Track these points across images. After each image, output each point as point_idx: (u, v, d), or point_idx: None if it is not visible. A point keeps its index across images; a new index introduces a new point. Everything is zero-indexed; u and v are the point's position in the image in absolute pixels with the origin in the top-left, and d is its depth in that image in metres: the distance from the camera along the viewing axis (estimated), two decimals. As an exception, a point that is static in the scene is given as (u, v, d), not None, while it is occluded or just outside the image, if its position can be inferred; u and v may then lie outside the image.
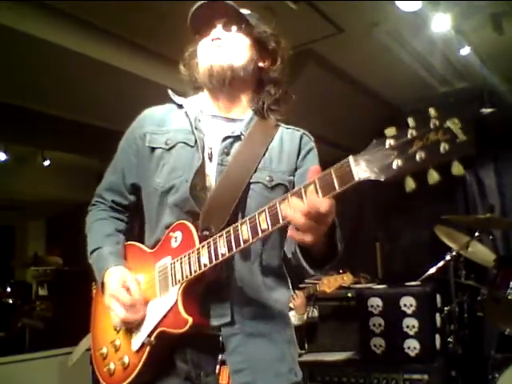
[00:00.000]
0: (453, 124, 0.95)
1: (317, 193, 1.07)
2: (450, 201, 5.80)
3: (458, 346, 3.87)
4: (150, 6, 3.53)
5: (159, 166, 1.48)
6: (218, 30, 1.50)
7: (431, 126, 0.96)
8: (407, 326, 3.71)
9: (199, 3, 1.48)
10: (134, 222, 1.66)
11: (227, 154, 1.46)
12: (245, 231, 1.21)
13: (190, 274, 1.31)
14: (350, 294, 4.17)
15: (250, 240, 1.20)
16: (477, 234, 4.03)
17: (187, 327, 1.28)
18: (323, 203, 1.07)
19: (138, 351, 1.38)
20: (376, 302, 3.89)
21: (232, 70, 1.49)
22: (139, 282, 1.42)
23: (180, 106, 1.57)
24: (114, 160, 1.64)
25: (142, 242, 1.56)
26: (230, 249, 1.24)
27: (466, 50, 4.47)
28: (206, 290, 1.35)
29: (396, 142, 0.99)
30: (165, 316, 1.34)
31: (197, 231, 1.35)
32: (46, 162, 7.62)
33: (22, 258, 9.13)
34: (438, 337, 3.77)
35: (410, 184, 0.98)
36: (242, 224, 1.22)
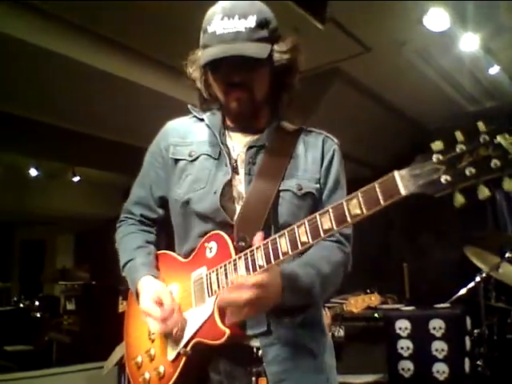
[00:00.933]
0: (504, 139, 0.92)
1: (360, 208, 1.07)
2: (479, 220, 5.69)
3: (488, 369, 3.76)
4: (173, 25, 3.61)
5: (182, 177, 1.48)
6: (239, 74, 1.39)
7: (481, 140, 0.94)
8: (436, 350, 3.63)
9: (216, 56, 1.35)
10: (162, 234, 1.66)
11: (253, 163, 1.46)
12: (283, 244, 1.20)
13: (227, 285, 1.29)
14: (376, 315, 4.11)
15: (290, 253, 1.19)
16: (507, 254, 3.95)
17: (224, 339, 1.27)
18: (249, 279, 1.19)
19: (173, 361, 1.38)
20: (404, 325, 3.82)
21: (254, 104, 1.47)
22: (172, 295, 1.41)
23: (201, 120, 1.58)
24: (140, 174, 1.64)
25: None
26: (268, 261, 1.22)
27: (494, 69, 4.44)
28: None
29: (444, 157, 0.97)
30: (201, 327, 1.33)
31: (232, 242, 1.35)
32: (76, 178, 7.78)
33: (51, 273, 9.28)
34: (467, 360, 3.68)
35: (459, 200, 0.97)
36: (280, 237, 1.21)
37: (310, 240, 1.16)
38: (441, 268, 5.76)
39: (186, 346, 1.36)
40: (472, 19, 3.77)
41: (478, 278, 3.84)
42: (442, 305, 3.89)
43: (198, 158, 1.49)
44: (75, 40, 3.75)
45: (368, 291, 3.93)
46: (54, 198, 8.38)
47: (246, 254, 1.27)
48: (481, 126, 0.95)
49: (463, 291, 3.85)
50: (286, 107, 1.57)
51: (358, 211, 1.08)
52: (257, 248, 1.25)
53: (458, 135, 0.97)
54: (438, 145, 0.99)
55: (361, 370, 4.02)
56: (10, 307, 7.18)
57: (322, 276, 1.38)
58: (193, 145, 1.52)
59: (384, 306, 4.32)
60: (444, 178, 0.97)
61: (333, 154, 1.54)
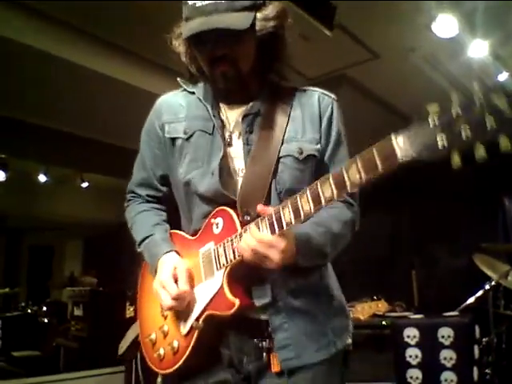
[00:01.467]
0: (499, 99, 0.90)
1: (359, 173, 1.07)
2: (488, 228, 5.66)
3: (496, 377, 3.72)
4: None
5: (182, 156, 1.47)
6: (221, 46, 1.34)
7: (476, 101, 0.92)
8: (445, 358, 3.60)
9: (195, 31, 1.30)
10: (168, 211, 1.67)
11: (250, 132, 1.43)
12: (287, 214, 1.20)
13: (234, 258, 1.31)
14: (384, 323, 4.08)
15: (293, 222, 1.20)
16: (517, 262, 3.91)
17: (235, 309, 1.28)
18: (259, 236, 1.21)
19: (186, 335, 1.40)
20: (412, 333, 3.79)
21: (241, 76, 1.41)
22: (190, 272, 1.42)
23: (192, 93, 1.53)
24: (139, 154, 1.63)
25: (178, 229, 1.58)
26: (272, 232, 1.23)
27: (503, 76, 4.42)
28: (248, 271, 1.33)
29: (440, 120, 0.96)
30: (211, 299, 1.35)
31: (237, 216, 1.35)
32: (85, 184, 7.83)
33: (59, 278, 9.32)
34: (475, 369, 3.64)
35: (456, 161, 0.95)
36: (283, 207, 1.21)
37: (312, 209, 1.16)
38: (449, 276, 5.73)
39: (197, 319, 1.37)
40: (481, 26, 3.76)
41: (487, 286, 3.81)
42: (450, 313, 3.86)
43: (192, 134, 1.46)
44: (87, 47, 3.79)
45: (375, 298, 3.90)
46: (62, 204, 8.43)
47: (251, 226, 1.28)
48: (475, 85, 0.93)
49: (472, 299, 3.82)
50: (280, 74, 1.52)
51: (357, 177, 1.08)
52: (261, 220, 1.26)
53: (454, 97, 0.95)
54: (434, 107, 0.98)
55: (368, 378, 3.98)
56: (18, 312, 7.19)
57: (333, 235, 1.38)
58: (186, 120, 1.49)
59: (392, 314, 4.29)
60: (440, 141, 0.95)
61: (331, 112, 1.49)
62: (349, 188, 1.10)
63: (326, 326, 1.42)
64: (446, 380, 3.57)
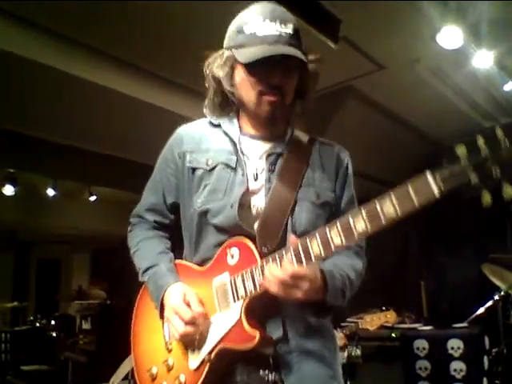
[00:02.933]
0: None
1: (393, 207, 1.12)
2: (498, 238, 5.62)
3: (506, 387, 3.68)
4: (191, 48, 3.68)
5: (201, 186, 1.47)
6: (278, 76, 1.39)
7: (502, 145, 1.03)
8: (455, 370, 3.57)
9: (262, 55, 1.34)
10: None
11: (272, 171, 1.46)
12: (315, 246, 1.22)
13: (255, 290, 1.30)
14: (394, 334, 4.05)
15: (322, 255, 1.22)
16: (527, 272, 3.88)
17: (255, 343, 1.27)
18: (292, 269, 1.20)
19: (196, 369, 1.37)
20: (422, 345, 3.77)
21: (283, 109, 1.46)
22: (200, 298, 1.40)
23: (216, 125, 1.56)
24: (152, 180, 1.63)
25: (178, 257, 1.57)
26: (299, 263, 1.24)
27: (509, 86, 4.42)
28: (263, 304, 1.33)
29: (471, 160, 1.06)
30: (227, 332, 1.33)
31: (256, 248, 1.35)
32: (93, 198, 7.85)
33: (67, 292, 9.33)
34: (485, 380, 3.61)
35: (487, 199, 1.05)
36: (311, 239, 1.23)
37: (344, 241, 1.19)
38: (459, 286, 5.69)
39: (210, 352, 1.35)
40: (485, 36, 3.78)
41: (496, 297, 3.78)
42: (460, 324, 3.83)
43: (215, 167, 1.47)
44: (93, 62, 3.83)
45: (384, 308, 3.88)
46: (70, 217, 8.46)
47: (275, 257, 1.28)
48: (499, 132, 1.04)
49: (481, 310, 3.79)
50: (301, 117, 1.57)
51: (393, 213, 1.12)
52: (286, 252, 1.27)
53: (480, 140, 1.06)
54: (462, 149, 1.07)
55: (378, 391, 3.96)
56: (26, 326, 7.21)
57: (350, 281, 1.41)
58: (209, 152, 1.50)
59: (401, 326, 4.26)
60: (473, 180, 1.05)
61: (347, 166, 1.56)
62: (383, 221, 1.13)
63: (333, 368, 1.44)
64: (456, 392, 3.54)
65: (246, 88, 1.44)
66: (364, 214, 1.15)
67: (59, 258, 10.89)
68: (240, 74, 1.44)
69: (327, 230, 1.21)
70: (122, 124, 4.67)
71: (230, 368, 1.37)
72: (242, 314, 1.31)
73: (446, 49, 3.71)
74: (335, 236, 1.19)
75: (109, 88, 3.97)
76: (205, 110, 1.59)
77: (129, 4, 3.30)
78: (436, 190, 1.07)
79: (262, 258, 1.32)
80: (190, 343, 1.38)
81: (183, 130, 1.60)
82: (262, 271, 1.29)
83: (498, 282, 3.89)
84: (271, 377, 1.33)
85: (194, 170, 1.50)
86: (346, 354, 3.75)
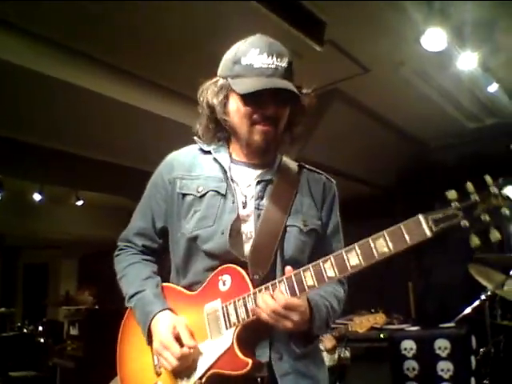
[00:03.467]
0: (509, 192, 1.15)
1: (387, 246, 1.19)
2: (485, 241, 5.67)
3: (494, 388, 3.71)
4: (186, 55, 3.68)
5: (190, 212, 1.49)
6: (272, 108, 1.43)
7: (491, 191, 1.16)
8: (442, 370, 3.60)
9: (260, 88, 1.39)
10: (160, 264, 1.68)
11: (261, 198, 1.49)
12: (309, 277, 1.27)
13: (247, 317, 1.33)
14: (382, 335, 4.07)
15: (316, 286, 1.27)
16: (512, 272, 3.92)
17: (247, 369, 1.29)
18: (284, 300, 1.25)
19: None
20: (409, 345, 3.79)
21: (275, 139, 1.50)
22: (190, 328, 1.41)
23: (207, 152, 1.58)
24: (141, 204, 1.65)
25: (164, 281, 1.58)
26: (292, 293, 1.28)
27: (493, 87, 4.47)
28: (254, 330, 1.36)
29: (462, 205, 1.16)
30: (219, 358, 1.35)
31: (248, 275, 1.38)
32: (80, 202, 7.81)
33: (55, 297, 9.25)
34: (473, 380, 3.63)
35: (476, 241, 1.16)
36: (304, 271, 1.28)
37: (337, 274, 1.25)
38: (446, 287, 5.72)
39: (201, 378, 1.37)
40: (469, 38, 3.82)
41: (483, 297, 3.81)
42: (447, 324, 3.86)
43: (205, 194, 1.49)
44: (77, 65, 3.82)
45: (373, 311, 3.89)
46: (57, 222, 8.41)
47: (268, 286, 1.32)
48: (488, 179, 1.16)
49: (468, 310, 3.82)
50: (290, 145, 1.60)
51: (386, 249, 1.19)
52: (279, 281, 1.30)
53: (469, 186, 1.17)
54: (453, 194, 1.18)
55: (367, 392, 3.97)
56: (14, 332, 7.14)
57: (333, 310, 1.46)
58: (200, 179, 1.53)
59: (389, 327, 4.28)
60: (463, 223, 1.16)
61: (333, 196, 1.61)
62: (377, 257, 1.20)
63: None
64: (443, 392, 3.56)
65: (239, 117, 1.47)
66: (358, 251, 1.22)
67: (47, 262, 10.81)
68: (234, 103, 1.47)
69: (321, 263, 1.27)
70: (110, 129, 4.66)
71: None
72: (234, 341, 1.34)
73: (431, 51, 3.74)
74: (329, 269, 1.25)
75: (97, 93, 3.96)
76: (195, 137, 1.61)
77: (126, 12, 3.31)
78: (428, 231, 1.15)
79: (254, 285, 1.35)
80: (181, 372, 1.40)
81: (174, 156, 1.62)
82: (255, 299, 1.32)
83: (484, 282, 3.92)
84: None
85: (184, 195, 1.52)
86: (336, 356, 3.76)
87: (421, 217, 1.16)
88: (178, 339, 1.38)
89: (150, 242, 1.62)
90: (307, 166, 1.64)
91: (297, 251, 1.46)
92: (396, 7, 3.47)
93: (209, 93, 1.51)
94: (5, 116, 4.22)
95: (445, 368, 3.60)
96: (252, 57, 1.42)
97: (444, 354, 3.63)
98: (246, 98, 1.43)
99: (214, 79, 1.51)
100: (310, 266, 1.28)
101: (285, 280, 1.30)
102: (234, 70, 1.46)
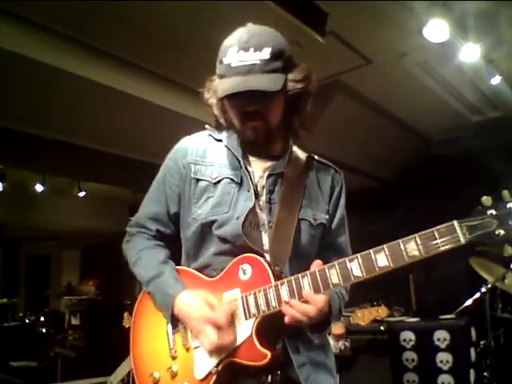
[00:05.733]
0: None
1: (418, 250, 1.19)
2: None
3: (494, 381, 3.72)
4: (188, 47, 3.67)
5: (202, 197, 1.51)
6: (253, 104, 1.43)
7: None
8: (441, 361, 3.61)
9: (230, 91, 1.40)
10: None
11: (272, 191, 1.51)
12: (334, 275, 1.29)
13: (268, 309, 1.34)
14: (382, 327, 4.08)
15: (341, 284, 1.29)
16: (513, 265, 3.91)
17: (266, 361, 1.31)
18: (320, 300, 1.29)
19: (203, 380, 1.40)
20: (409, 336, 3.80)
21: (270, 131, 1.50)
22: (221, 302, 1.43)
23: (219, 140, 1.60)
24: (153, 189, 1.65)
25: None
26: (316, 290, 1.30)
27: (496, 80, 4.45)
28: (272, 322, 1.37)
29: (497, 213, 1.15)
30: (238, 347, 1.36)
31: (269, 267, 1.38)
32: (82, 193, 7.82)
33: (57, 288, 9.30)
34: (472, 372, 3.64)
35: (509, 251, 1.15)
36: (329, 268, 1.30)
37: (365, 275, 1.25)
38: (447, 279, 5.72)
39: (217, 365, 1.38)
40: (472, 30, 3.79)
41: (483, 289, 3.81)
42: (446, 316, 3.86)
43: (220, 181, 1.51)
44: (81, 56, 3.81)
45: (375, 303, 3.90)
46: (59, 214, 8.42)
47: (291, 280, 1.33)
48: None
49: (469, 302, 3.82)
50: (298, 131, 1.60)
51: (417, 253, 1.19)
52: (302, 276, 1.32)
53: (505, 194, 1.16)
54: (487, 200, 1.17)
55: (366, 382, 3.98)
56: (16, 323, 7.18)
57: (343, 297, 1.52)
58: (214, 166, 1.55)
59: (390, 319, 4.29)
60: (498, 232, 1.14)
61: (341, 188, 1.63)
62: (406, 260, 1.21)
63: (336, 378, 1.54)
64: (442, 383, 3.57)
65: (232, 115, 1.50)
66: (387, 251, 1.22)
67: (49, 254, 10.84)
68: (226, 102, 1.50)
69: (347, 260, 1.27)
70: (112, 120, 4.65)
71: (234, 380, 1.41)
72: (254, 332, 1.35)
73: (433, 42, 3.72)
74: (356, 268, 1.26)
75: (100, 84, 3.94)
76: (206, 125, 1.64)
77: (133, 4, 3.29)
78: (462, 238, 1.15)
79: (275, 278, 1.37)
80: (197, 358, 1.41)
81: (187, 142, 1.64)
82: (277, 292, 1.34)
83: (485, 275, 3.92)
84: (269, 379, 1.37)
85: (198, 180, 1.54)
86: (339, 344, 3.76)
87: (455, 223, 1.16)
88: (214, 309, 1.38)
89: (164, 228, 1.62)
90: (316, 157, 1.65)
91: (308, 245, 1.50)
92: (398, -2, 3.45)
93: (206, 92, 1.54)
94: (6, 107, 4.22)
95: (444, 359, 3.61)
96: (230, 56, 1.42)
97: (443, 346, 3.64)
98: (229, 99, 1.45)
99: (213, 77, 1.53)
100: (335, 263, 1.29)
101: (308, 275, 1.31)
102: (220, 70, 1.47)
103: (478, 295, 3.81)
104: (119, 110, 4.41)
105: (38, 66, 3.62)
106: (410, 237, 1.20)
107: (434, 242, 1.17)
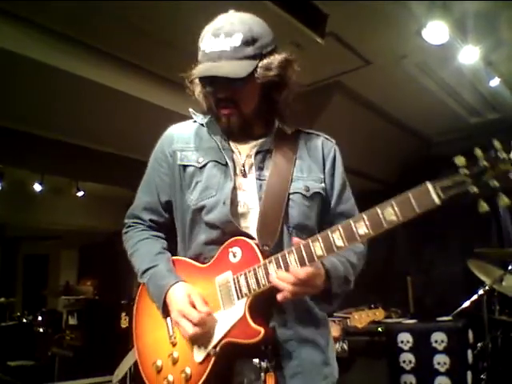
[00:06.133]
0: None
1: (395, 214, 1.18)
2: (483, 234, 5.67)
3: (491, 383, 3.71)
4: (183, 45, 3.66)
5: (192, 183, 1.52)
6: (222, 90, 1.46)
7: (499, 156, 1.12)
8: (438, 363, 3.60)
9: (199, 75, 1.46)
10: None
11: (262, 168, 1.52)
12: (318, 247, 1.28)
13: (258, 288, 1.36)
14: (380, 329, 4.07)
15: (325, 255, 1.28)
16: (511, 267, 3.91)
17: (259, 337, 1.33)
18: (301, 272, 1.27)
19: (202, 362, 1.43)
20: (406, 338, 3.79)
21: (243, 118, 1.51)
22: (203, 297, 1.45)
23: (202, 125, 1.62)
24: (144, 180, 1.68)
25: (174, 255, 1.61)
26: (302, 264, 1.30)
27: (495, 81, 4.45)
28: (264, 300, 1.39)
29: (471, 171, 1.13)
30: (232, 328, 1.39)
31: (257, 246, 1.40)
32: (80, 193, 7.81)
33: (55, 287, 9.29)
34: (469, 374, 3.64)
35: (484, 207, 1.14)
36: (313, 241, 1.29)
37: (346, 244, 1.25)
38: (445, 281, 5.73)
39: (215, 346, 1.41)
40: (471, 32, 3.80)
41: (481, 291, 3.81)
42: (444, 318, 3.86)
43: (206, 164, 1.52)
44: (79, 56, 3.81)
45: (372, 306, 3.89)
46: (58, 213, 8.42)
47: (277, 257, 1.34)
48: (497, 143, 1.13)
49: (466, 304, 3.82)
50: (282, 119, 1.61)
51: (394, 218, 1.19)
52: (288, 252, 1.32)
53: (478, 152, 1.14)
54: (461, 160, 1.15)
55: (364, 384, 3.98)
56: (13, 322, 7.17)
57: (352, 265, 1.48)
58: (199, 150, 1.56)
59: (387, 320, 4.28)
60: (472, 189, 1.13)
61: (334, 155, 1.61)
62: (385, 226, 1.20)
63: (328, 355, 1.51)
64: (440, 385, 3.57)
65: (210, 100, 1.53)
66: (366, 219, 1.22)
67: (47, 253, 10.83)
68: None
69: (329, 232, 1.27)
70: (111, 120, 4.65)
71: (232, 360, 1.43)
72: (246, 311, 1.38)
73: (432, 44, 3.73)
74: (337, 239, 1.26)
75: (98, 83, 3.95)
76: (190, 109, 1.65)
77: (133, 4, 3.29)
78: (436, 199, 1.13)
79: (264, 256, 1.38)
80: (198, 340, 1.44)
81: (173, 130, 1.65)
82: (265, 270, 1.35)
83: (482, 277, 3.92)
84: (263, 364, 1.38)
85: (184, 167, 1.55)
86: (338, 345, 3.75)
87: (429, 184, 1.15)
88: (193, 307, 1.41)
89: (157, 217, 1.64)
90: (304, 129, 1.65)
91: (302, 217, 1.48)
92: (398, 0, 3.46)
93: (191, 77, 1.54)
94: (6, 106, 4.22)
95: (441, 361, 3.60)
96: (205, 42, 1.46)
97: (440, 348, 3.63)
98: (202, 84, 1.51)
99: (195, 64, 1.53)
100: (318, 236, 1.29)
101: (294, 251, 1.31)
102: (199, 56, 1.49)
103: (475, 297, 3.81)
104: (118, 110, 4.41)
105: (37, 66, 3.62)
106: (386, 202, 1.20)
107: (410, 206, 1.16)
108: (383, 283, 6.05)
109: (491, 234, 5.81)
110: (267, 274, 1.34)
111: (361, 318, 3.71)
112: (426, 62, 4.32)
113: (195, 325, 1.38)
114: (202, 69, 1.45)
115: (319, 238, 1.28)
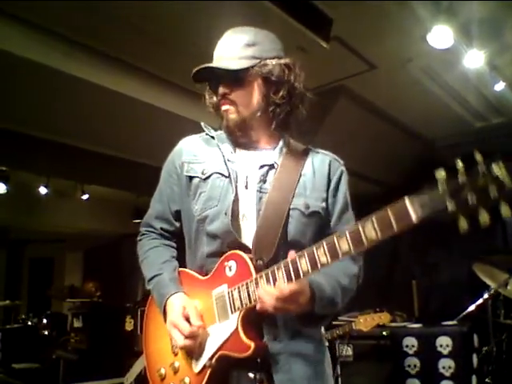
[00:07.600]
0: (498, 169, 1.01)
1: (375, 230, 1.15)
2: (488, 238, 5.65)
3: (496, 387, 3.70)
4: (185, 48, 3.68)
5: (197, 193, 1.56)
6: (222, 87, 1.55)
7: (479, 170, 1.03)
8: (443, 367, 3.59)
9: (197, 68, 1.54)
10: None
11: (264, 181, 1.53)
12: (304, 264, 1.28)
13: (250, 302, 1.38)
14: (385, 333, 4.07)
15: (310, 272, 1.27)
16: (516, 271, 3.90)
17: (250, 352, 1.35)
18: (286, 288, 1.27)
19: (199, 373, 1.46)
20: (411, 342, 3.79)
21: (246, 120, 1.56)
22: (199, 311, 1.49)
23: (213, 137, 1.66)
24: (157, 190, 1.73)
25: (183, 265, 1.65)
26: (289, 279, 1.30)
27: (500, 86, 4.45)
28: (258, 314, 1.40)
29: (448, 187, 1.06)
30: (226, 341, 1.42)
31: (251, 261, 1.42)
32: (85, 196, 7.83)
33: (59, 290, 9.30)
34: (474, 378, 3.63)
35: (463, 224, 1.05)
36: (300, 257, 1.29)
37: (329, 260, 1.24)
38: (450, 285, 5.72)
39: (211, 358, 1.44)
40: (476, 36, 3.80)
41: (486, 295, 3.81)
42: (449, 322, 3.85)
43: (209, 176, 1.56)
44: (83, 60, 3.82)
45: (377, 310, 3.89)
46: (63, 216, 8.44)
47: (268, 273, 1.35)
48: (477, 156, 1.04)
49: (471, 308, 3.81)
50: (287, 126, 1.62)
51: (374, 234, 1.16)
52: (277, 268, 1.33)
53: (459, 164, 1.06)
54: (441, 174, 1.08)
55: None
56: (18, 325, 7.18)
57: (342, 287, 1.47)
58: (205, 163, 1.60)
59: (391, 324, 4.28)
60: (450, 206, 1.06)
61: (340, 176, 1.61)
62: (366, 244, 1.17)
63: (322, 370, 1.52)
64: (445, 389, 3.56)
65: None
66: (348, 236, 1.20)
67: (52, 256, 10.85)
68: None
69: (314, 249, 1.27)
70: (116, 123, 4.67)
71: (229, 371, 1.46)
72: (239, 325, 1.40)
73: (437, 48, 3.73)
74: (321, 255, 1.25)
75: (103, 87, 3.96)
76: (202, 123, 1.71)
77: (135, 5, 3.31)
78: (413, 216, 1.09)
79: (257, 271, 1.39)
80: (191, 352, 1.48)
81: (183, 142, 1.71)
82: (257, 285, 1.36)
83: (487, 281, 3.92)
84: (258, 376, 1.40)
85: (190, 178, 1.59)
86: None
87: (407, 201, 1.11)
88: (187, 319, 1.44)
89: (168, 225, 1.69)
90: (315, 148, 1.66)
91: (298, 234, 1.49)
92: (403, 4, 3.46)
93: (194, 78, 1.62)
94: (12, 109, 4.24)
95: (446, 365, 3.60)
96: (217, 49, 1.58)
97: (445, 352, 3.63)
98: (207, 83, 1.60)
99: None
100: (304, 251, 1.29)
101: (282, 266, 1.32)
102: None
103: (480, 301, 3.80)
104: (123, 113, 4.43)
105: (42, 70, 3.64)
106: (367, 218, 1.17)
107: (389, 224, 1.13)
108: (388, 287, 6.04)
109: (496, 237, 5.80)
110: (258, 287, 1.36)
111: (366, 322, 3.72)
112: (430, 66, 4.32)
113: (186, 337, 1.42)
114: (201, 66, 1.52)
115: (305, 254, 1.28)
